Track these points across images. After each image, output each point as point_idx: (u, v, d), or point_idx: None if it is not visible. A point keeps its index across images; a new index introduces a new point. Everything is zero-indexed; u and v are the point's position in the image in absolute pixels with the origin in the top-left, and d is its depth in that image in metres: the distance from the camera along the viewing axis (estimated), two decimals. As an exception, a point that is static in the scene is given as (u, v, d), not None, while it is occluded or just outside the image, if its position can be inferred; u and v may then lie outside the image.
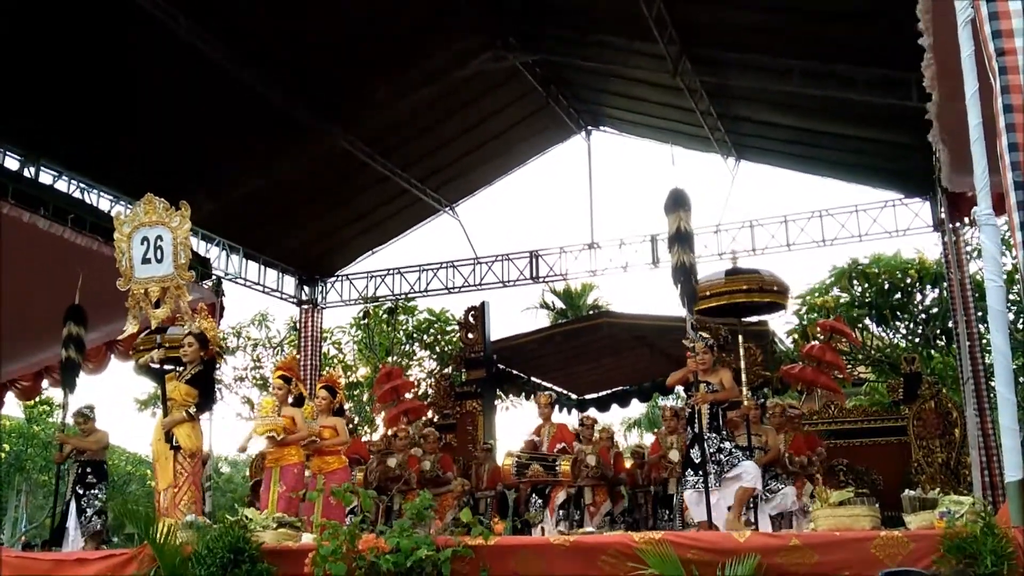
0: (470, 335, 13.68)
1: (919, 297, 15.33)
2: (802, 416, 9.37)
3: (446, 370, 15.62)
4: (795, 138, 13.40)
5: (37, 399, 18.24)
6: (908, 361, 11.09)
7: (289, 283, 15.67)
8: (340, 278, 16.29)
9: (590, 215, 15.41)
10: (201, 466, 6.75)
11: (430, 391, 14.94)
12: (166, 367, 6.37)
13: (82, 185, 11.30)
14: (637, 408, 23.97)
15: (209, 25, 9.59)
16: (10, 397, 11.88)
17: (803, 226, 13.80)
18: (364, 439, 13.08)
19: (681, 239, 6.55)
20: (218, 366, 14.89)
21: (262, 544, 4.82)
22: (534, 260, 15.39)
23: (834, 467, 9.77)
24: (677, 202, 6.64)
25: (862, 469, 10.24)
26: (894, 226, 13.33)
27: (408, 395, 12.17)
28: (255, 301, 27.29)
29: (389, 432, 11.32)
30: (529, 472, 8.70)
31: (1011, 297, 12.36)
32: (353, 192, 14.01)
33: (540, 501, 8.95)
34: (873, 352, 15.64)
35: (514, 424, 25.29)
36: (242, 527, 4.88)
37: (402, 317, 19.31)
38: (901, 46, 6.36)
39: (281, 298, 15.62)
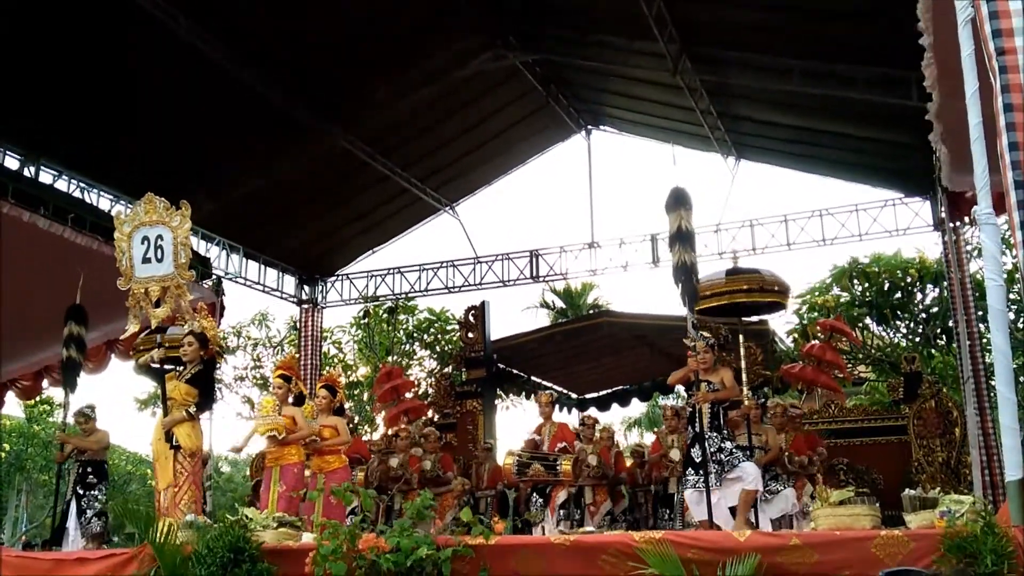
0: (470, 334, 13.68)
1: (919, 296, 15.33)
2: (803, 416, 9.36)
3: (446, 369, 15.62)
4: (795, 137, 13.39)
5: (37, 399, 18.26)
6: (908, 360, 11.09)
7: (289, 283, 15.67)
8: (340, 278, 16.29)
9: (590, 214, 15.43)
10: (201, 465, 6.76)
11: (430, 390, 14.95)
12: (166, 367, 6.37)
13: (82, 185, 11.30)
14: (637, 407, 23.99)
15: (209, 25, 9.58)
16: (10, 397, 11.89)
17: (803, 225, 13.80)
18: (364, 439, 13.09)
19: (682, 238, 6.54)
20: (218, 366, 14.90)
21: (262, 544, 4.82)
22: (534, 259, 15.39)
23: (834, 466, 9.78)
24: (678, 201, 6.62)
25: (862, 468, 10.25)
26: (894, 225, 13.33)
27: (408, 394, 12.17)
28: (255, 301, 27.33)
29: (390, 432, 11.33)
30: (530, 471, 8.70)
31: (1011, 296, 12.37)
32: (353, 192, 14.00)
33: (541, 500, 8.95)
34: (873, 351, 15.64)
35: (514, 424, 25.32)
36: (242, 527, 4.88)
37: (402, 316, 19.30)
38: (901, 45, 6.36)
39: (281, 297, 15.62)
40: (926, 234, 13.33)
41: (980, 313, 11.62)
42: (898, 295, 15.28)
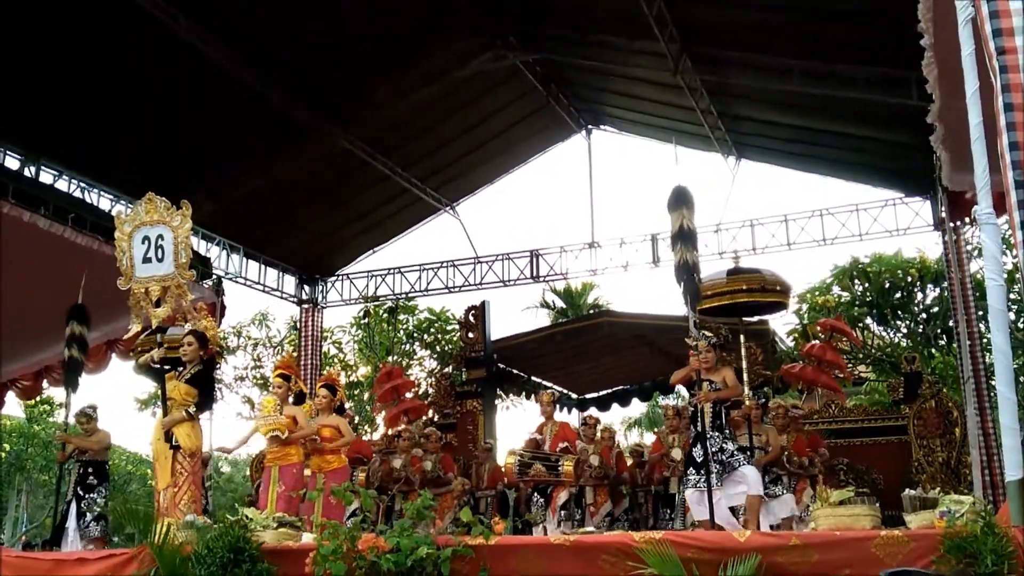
0: (470, 334, 13.68)
1: (920, 296, 15.33)
2: (805, 417, 9.36)
3: (446, 369, 15.62)
4: (795, 137, 13.39)
5: (38, 399, 18.25)
6: (909, 360, 11.09)
7: (289, 282, 15.67)
8: (340, 277, 16.29)
9: (591, 214, 15.43)
10: (201, 466, 6.76)
11: (430, 390, 14.94)
12: (165, 366, 6.37)
13: (82, 185, 11.30)
14: (637, 408, 23.99)
15: (209, 25, 9.58)
16: (11, 397, 11.89)
17: (803, 225, 13.80)
18: (365, 439, 13.09)
19: (684, 237, 6.52)
20: (218, 366, 14.90)
21: (262, 544, 4.82)
22: (534, 259, 15.39)
23: (834, 466, 9.77)
24: (680, 200, 6.60)
25: (862, 468, 10.24)
26: (895, 225, 13.33)
27: (408, 394, 12.16)
28: (255, 300, 27.33)
29: (391, 432, 11.33)
30: (532, 472, 8.69)
31: (1012, 296, 12.37)
32: (353, 191, 14.00)
33: (542, 500, 8.95)
34: (874, 351, 15.64)
35: (514, 424, 25.32)
36: (242, 527, 4.88)
37: (402, 316, 19.29)
38: (901, 45, 6.37)
39: (281, 297, 15.62)
40: (926, 234, 13.35)
41: (980, 313, 11.62)
42: (898, 295, 15.28)
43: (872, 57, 9.69)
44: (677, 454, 8.68)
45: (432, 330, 19.52)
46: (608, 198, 36.80)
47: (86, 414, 8.27)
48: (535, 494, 9.11)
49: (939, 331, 14.90)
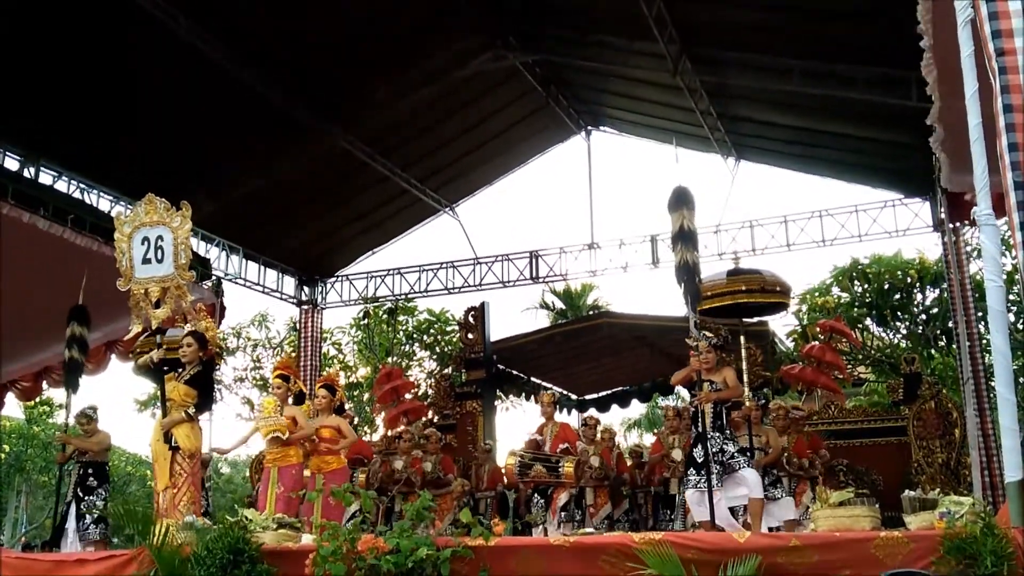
0: (470, 335, 13.68)
1: (919, 297, 15.33)
2: (806, 418, 9.35)
3: (446, 370, 15.63)
4: (795, 138, 13.40)
5: (37, 400, 18.25)
6: (908, 361, 11.09)
7: (289, 283, 15.67)
8: (340, 278, 16.29)
9: (590, 215, 15.43)
10: (201, 467, 6.75)
11: (430, 391, 14.95)
12: (165, 367, 6.36)
13: (82, 185, 11.30)
14: (637, 408, 23.98)
15: (209, 25, 9.58)
16: (10, 398, 11.88)
17: (803, 226, 13.80)
18: (365, 440, 13.08)
19: (684, 237, 6.51)
20: (217, 367, 14.89)
21: (262, 545, 4.81)
22: (534, 260, 15.39)
23: (834, 467, 9.77)
24: (680, 200, 6.59)
25: (862, 469, 10.24)
26: (894, 226, 13.33)
27: (408, 396, 12.16)
28: (255, 301, 27.33)
29: (391, 433, 11.33)
30: (532, 472, 8.68)
31: (1011, 297, 12.37)
32: (353, 192, 14.00)
33: (543, 501, 8.94)
34: (873, 352, 15.64)
35: (514, 425, 25.32)
36: (242, 528, 4.87)
37: (402, 317, 19.31)
38: (901, 45, 6.37)
39: (281, 298, 15.62)
40: (926, 235, 13.35)
41: (980, 314, 11.63)
42: (898, 296, 15.28)
43: (872, 57, 9.69)
44: (677, 455, 8.68)
45: (432, 331, 19.53)
46: (608, 199, 36.82)
47: (86, 415, 8.26)
48: (535, 495, 9.10)
49: (939, 332, 14.91)
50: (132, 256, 6.22)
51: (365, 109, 12.11)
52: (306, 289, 15.91)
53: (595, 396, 16.88)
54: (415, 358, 19.62)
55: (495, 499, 10.58)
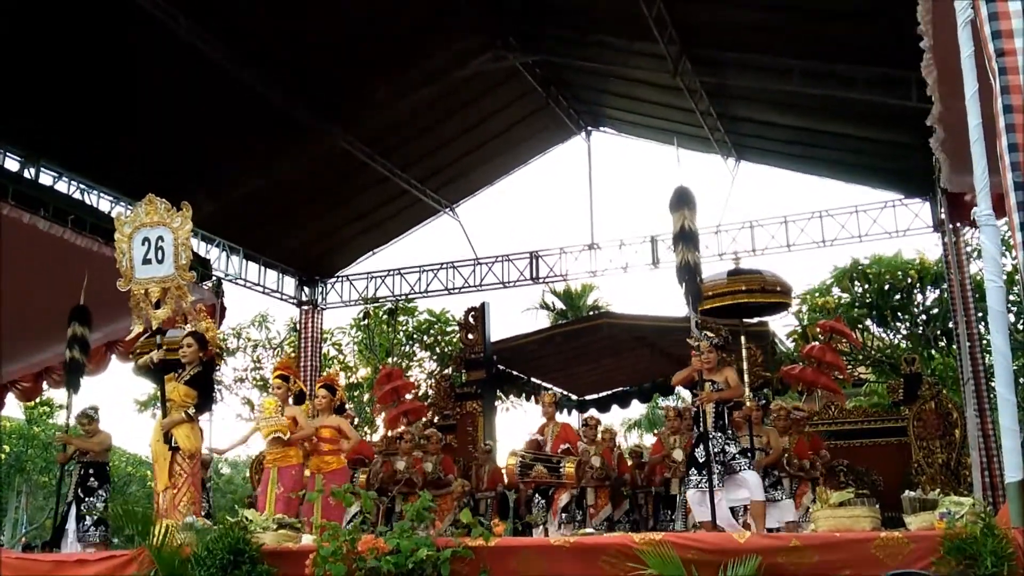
0: (470, 336, 13.69)
1: (919, 298, 15.33)
2: (807, 419, 9.36)
3: (446, 371, 15.64)
4: (795, 138, 13.40)
5: (37, 400, 18.25)
6: (908, 362, 11.10)
7: (289, 284, 15.67)
8: (340, 279, 16.29)
9: (590, 216, 15.43)
10: (201, 467, 6.75)
11: (430, 392, 14.96)
12: (165, 368, 6.36)
13: (82, 186, 11.30)
14: (637, 409, 23.98)
15: (209, 25, 9.59)
16: (10, 398, 11.88)
17: (803, 227, 13.80)
18: (365, 440, 13.08)
19: (685, 238, 6.51)
20: (217, 367, 14.89)
21: (262, 545, 4.81)
22: (534, 261, 15.39)
23: (834, 468, 9.78)
24: (681, 200, 6.59)
25: (862, 470, 10.25)
26: (894, 227, 13.33)
27: (408, 396, 12.16)
28: (255, 302, 27.34)
29: (391, 433, 11.33)
30: (533, 473, 8.68)
31: (1011, 298, 12.37)
32: (353, 192, 14.01)
33: (543, 502, 8.94)
34: (873, 353, 15.64)
35: (514, 425, 25.32)
36: (242, 528, 4.87)
37: (402, 318, 19.32)
38: (901, 45, 6.37)
39: (281, 299, 15.62)
40: (926, 235, 13.35)
41: (980, 314, 11.62)
42: (898, 296, 15.28)
43: (872, 57, 9.69)
44: (679, 455, 8.68)
45: (432, 331, 19.53)
46: (608, 200, 36.82)
47: (87, 415, 8.26)
48: (536, 495, 9.10)
49: (939, 332, 14.90)
50: (132, 256, 6.21)
51: (365, 109, 12.11)
52: (306, 289, 15.91)
53: (595, 396, 16.88)
54: (415, 358, 19.63)
55: (495, 499, 10.58)
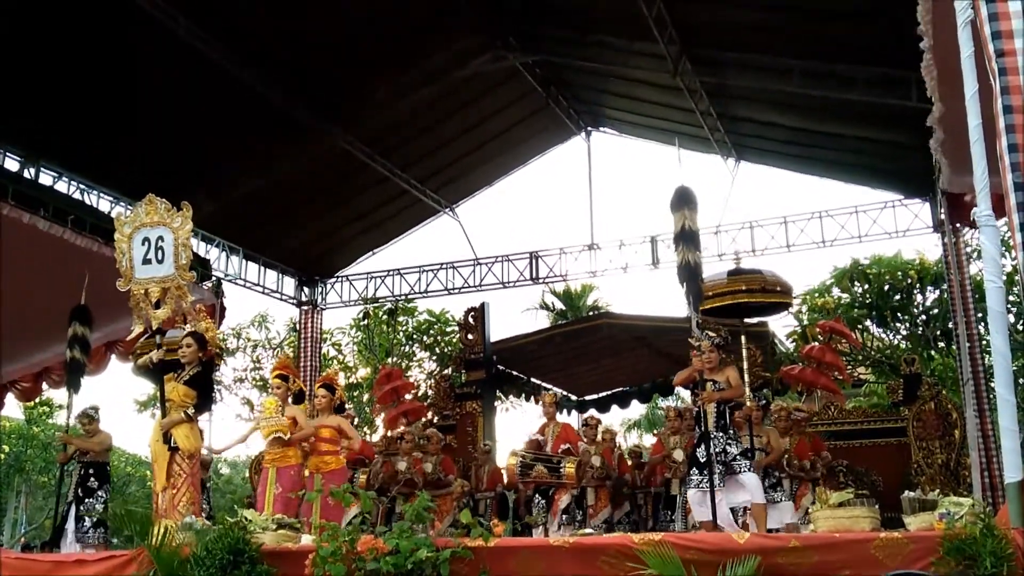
0: (470, 336, 13.69)
1: (919, 298, 15.32)
2: (808, 419, 9.36)
3: (446, 371, 15.63)
4: (795, 138, 13.40)
5: (37, 400, 18.25)
6: (908, 362, 11.10)
7: (289, 284, 15.67)
8: (340, 279, 16.29)
9: (590, 216, 15.43)
10: (201, 467, 6.75)
11: (430, 392, 14.96)
12: (164, 368, 6.35)
13: (82, 186, 11.30)
14: (637, 409, 23.98)
15: (209, 25, 9.59)
16: (10, 398, 11.88)
17: (803, 227, 13.80)
18: (364, 440, 13.07)
19: (686, 237, 6.50)
20: (217, 368, 14.89)
21: (261, 546, 4.81)
22: (534, 261, 15.39)
23: (834, 468, 9.78)
24: (682, 200, 6.59)
25: (862, 470, 10.25)
26: (894, 227, 13.33)
27: (408, 396, 12.17)
28: (255, 302, 27.35)
29: (391, 433, 11.33)
30: (533, 473, 8.68)
31: (1011, 298, 12.36)
32: (353, 192, 14.01)
33: (544, 502, 8.94)
34: (873, 353, 15.63)
35: (514, 425, 25.34)
36: (241, 528, 4.87)
37: (402, 318, 19.31)
38: (901, 46, 6.37)
39: (281, 299, 15.61)
40: (926, 236, 13.36)
41: (980, 315, 11.63)
42: (898, 297, 15.26)
43: (872, 58, 9.69)
44: (679, 455, 8.68)
45: (432, 332, 19.52)
46: (608, 200, 36.80)
47: (88, 415, 8.27)
48: (536, 495, 9.10)
49: (938, 333, 14.89)
50: (132, 256, 6.21)
51: (365, 109, 12.11)
52: (306, 290, 15.91)
53: (595, 397, 16.89)
54: (415, 359, 19.62)
55: (494, 500, 10.58)
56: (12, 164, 10.36)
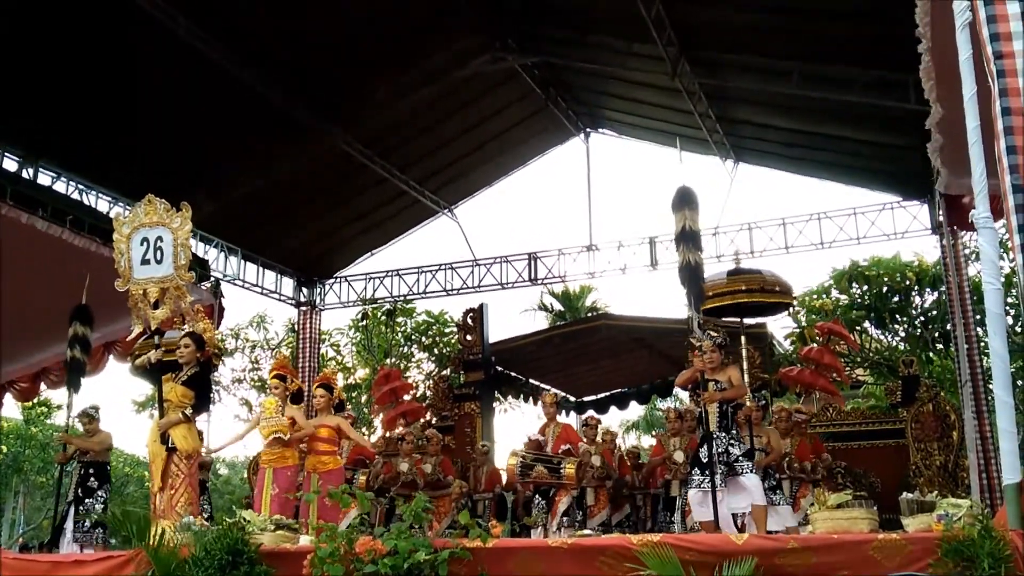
0: (468, 337, 13.70)
1: (917, 300, 15.33)
2: (809, 421, 9.35)
3: (444, 372, 15.63)
4: (793, 140, 13.40)
5: (35, 400, 18.23)
6: (906, 364, 11.11)
7: (287, 285, 15.66)
8: (338, 280, 16.28)
9: (588, 217, 15.42)
10: (201, 468, 6.74)
11: (428, 393, 14.95)
12: (163, 368, 6.35)
13: (80, 186, 11.30)
14: (635, 410, 24.00)
15: (209, 25, 9.58)
16: (8, 398, 11.87)
17: (801, 229, 13.81)
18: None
19: (687, 238, 6.50)
20: (215, 367, 14.88)
21: (260, 546, 4.81)
22: (532, 262, 15.39)
23: (832, 470, 9.79)
24: (683, 200, 6.58)
25: (860, 472, 10.26)
26: (892, 229, 13.34)
27: (406, 397, 12.17)
28: (253, 303, 27.33)
29: (390, 434, 11.33)
30: (533, 473, 8.68)
31: (1009, 300, 12.38)
32: (352, 193, 14.00)
33: (544, 503, 8.93)
34: (871, 355, 15.64)
35: (512, 426, 25.33)
36: (240, 529, 4.87)
37: (400, 319, 19.31)
38: (899, 48, 6.37)
39: (279, 300, 15.61)
40: (924, 237, 13.36)
41: (978, 317, 11.63)
42: (896, 298, 15.28)
43: (870, 60, 9.70)
44: (679, 456, 8.68)
45: (430, 333, 19.52)
46: (606, 201, 36.82)
47: (88, 415, 8.27)
48: (536, 495, 9.10)
49: (937, 335, 14.90)
50: (131, 256, 6.21)
51: (365, 109, 12.10)
52: (304, 290, 15.90)
53: (593, 398, 16.91)
54: (413, 359, 19.62)
55: (493, 501, 10.58)
56: (11, 164, 10.36)
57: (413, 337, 19.57)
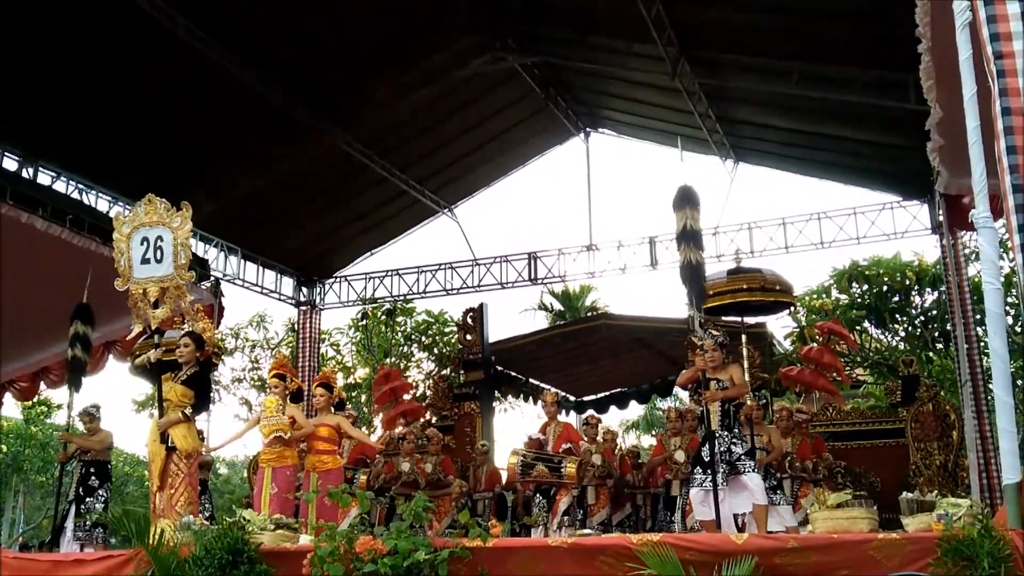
0: (468, 336, 13.70)
1: (917, 300, 15.33)
2: (810, 421, 9.35)
3: (444, 372, 15.64)
4: (793, 140, 13.41)
5: (35, 400, 18.23)
6: (906, 363, 11.11)
7: (287, 284, 15.66)
8: (338, 279, 16.28)
9: (588, 217, 15.42)
10: (201, 468, 6.74)
11: (428, 393, 14.96)
12: (162, 368, 6.35)
13: (80, 186, 11.30)
14: (635, 410, 23.99)
15: (209, 25, 9.58)
16: (8, 398, 11.87)
17: (801, 228, 13.81)
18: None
19: (688, 237, 6.49)
20: (215, 367, 14.88)
21: (260, 545, 4.81)
22: (532, 262, 15.39)
23: (832, 469, 9.79)
24: (685, 199, 6.57)
25: (860, 471, 10.26)
26: (892, 228, 13.35)
27: (406, 397, 12.17)
28: (253, 302, 27.32)
29: (391, 433, 11.33)
30: (534, 472, 8.68)
31: (1009, 300, 12.38)
32: (352, 193, 14.00)
33: (544, 502, 8.94)
34: (871, 354, 15.64)
35: (512, 426, 25.35)
36: (240, 528, 4.87)
37: (400, 318, 19.31)
38: (899, 47, 6.37)
39: (279, 299, 15.61)
40: (924, 237, 13.37)
41: (978, 316, 11.64)
42: (896, 298, 15.27)
43: (870, 60, 9.70)
44: (680, 456, 8.68)
45: (430, 332, 19.53)
46: (606, 201, 36.81)
47: (89, 413, 8.27)
48: (537, 494, 9.10)
49: (937, 334, 14.90)
50: (131, 256, 6.21)
51: (365, 109, 12.10)
52: (304, 290, 15.90)
53: (593, 397, 16.91)
54: (413, 359, 19.63)
55: (493, 500, 10.59)
56: (10, 164, 10.36)
57: (413, 337, 19.57)
